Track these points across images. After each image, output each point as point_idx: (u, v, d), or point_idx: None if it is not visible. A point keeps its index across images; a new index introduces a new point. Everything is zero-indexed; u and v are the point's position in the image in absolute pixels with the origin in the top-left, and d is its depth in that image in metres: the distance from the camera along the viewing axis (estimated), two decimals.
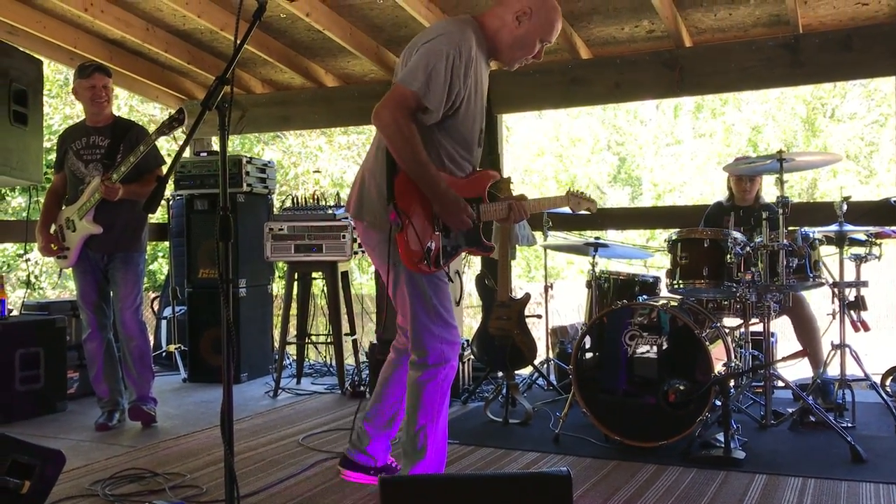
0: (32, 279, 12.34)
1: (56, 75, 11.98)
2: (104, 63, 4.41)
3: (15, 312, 5.00)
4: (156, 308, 6.66)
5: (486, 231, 2.90)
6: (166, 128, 3.93)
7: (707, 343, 3.55)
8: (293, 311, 5.43)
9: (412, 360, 2.82)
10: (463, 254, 2.93)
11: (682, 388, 3.52)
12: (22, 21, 5.26)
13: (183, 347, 5.87)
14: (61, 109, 12.41)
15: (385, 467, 3.09)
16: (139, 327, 4.35)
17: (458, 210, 2.70)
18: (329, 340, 5.53)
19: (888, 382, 4.56)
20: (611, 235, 6.80)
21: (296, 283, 5.42)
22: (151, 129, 4.22)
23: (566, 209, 3.17)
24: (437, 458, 2.86)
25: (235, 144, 12.53)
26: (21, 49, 4.75)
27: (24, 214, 5.67)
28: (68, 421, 4.50)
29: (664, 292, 4.20)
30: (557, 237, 5.24)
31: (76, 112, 12.44)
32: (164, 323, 6.34)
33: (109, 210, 4.19)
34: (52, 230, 4.33)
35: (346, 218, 5.04)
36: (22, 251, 11.48)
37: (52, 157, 12.23)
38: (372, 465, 3.04)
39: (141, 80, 6.38)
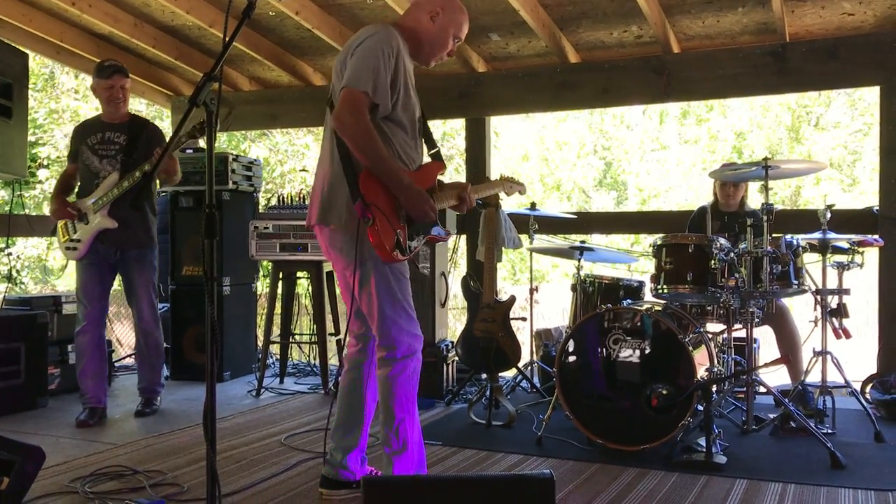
0: (14, 274, 12.23)
1: (42, 69, 11.88)
2: (119, 63, 4.42)
3: None
4: None
5: (440, 218, 3.02)
6: (186, 136, 3.88)
7: (690, 348, 3.57)
8: (277, 310, 5.41)
9: (381, 357, 2.88)
10: (421, 245, 2.98)
11: (664, 392, 3.54)
12: (8, 13, 5.22)
13: (166, 345, 5.82)
14: (46, 103, 12.31)
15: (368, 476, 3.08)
16: (156, 321, 4.54)
17: (422, 201, 2.81)
18: (313, 340, 5.51)
19: (868, 389, 4.60)
20: (596, 239, 6.81)
21: (280, 282, 5.40)
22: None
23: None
24: (419, 450, 2.93)
25: (222, 141, 12.47)
26: (6, 42, 4.71)
27: (7, 208, 5.62)
28: (48, 417, 4.47)
29: (648, 297, 4.22)
30: (543, 240, 5.25)
31: (62, 106, 12.36)
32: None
33: (125, 206, 4.24)
34: (68, 212, 4.33)
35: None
36: (3, 245, 11.37)
37: (37, 150, 12.14)
38: (353, 480, 3.04)
39: None
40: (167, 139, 4.45)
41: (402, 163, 2.86)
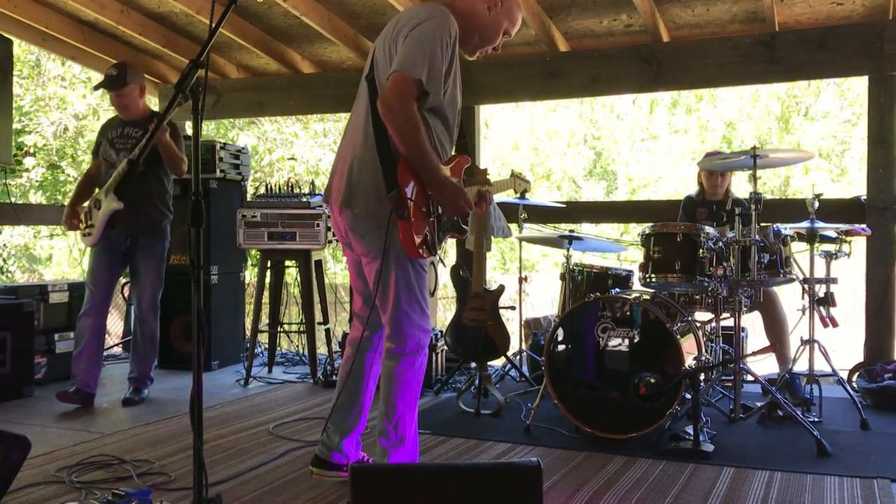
0: (0, 262, 12.16)
1: (27, 55, 11.77)
2: (115, 70, 4.44)
3: None
4: (126, 294, 6.58)
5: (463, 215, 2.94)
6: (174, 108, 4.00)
7: (678, 337, 3.58)
8: (265, 299, 5.39)
9: (388, 349, 2.83)
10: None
11: (652, 381, 3.55)
12: None
13: None
14: (33, 90, 12.20)
15: (358, 463, 3.08)
16: (154, 312, 4.59)
17: (457, 196, 2.73)
18: (301, 329, 5.50)
19: (855, 378, 4.63)
20: (585, 229, 6.82)
21: (269, 271, 5.38)
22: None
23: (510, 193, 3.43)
24: (414, 444, 2.91)
25: (210, 130, 12.40)
26: None
27: None
28: (35, 406, 4.44)
29: (637, 286, 4.23)
30: (532, 229, 5.25)
31: (48, 93, 12.25)
32: (133, 308, 6.27)
33: (133, 190, 4.33)
34: (81, 209, 4.50)
35: (321, 206, 5.01)
36: None
37: (22, 139, 12.05)
38: (345, 463, 3.03)
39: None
40: (180, 132, 4.51)
41: (437, 155, 2.76)
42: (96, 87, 4.61)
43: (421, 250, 2.71)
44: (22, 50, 11.04)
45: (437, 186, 2.70)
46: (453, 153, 2.98)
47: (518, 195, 4.86)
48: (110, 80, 4.43)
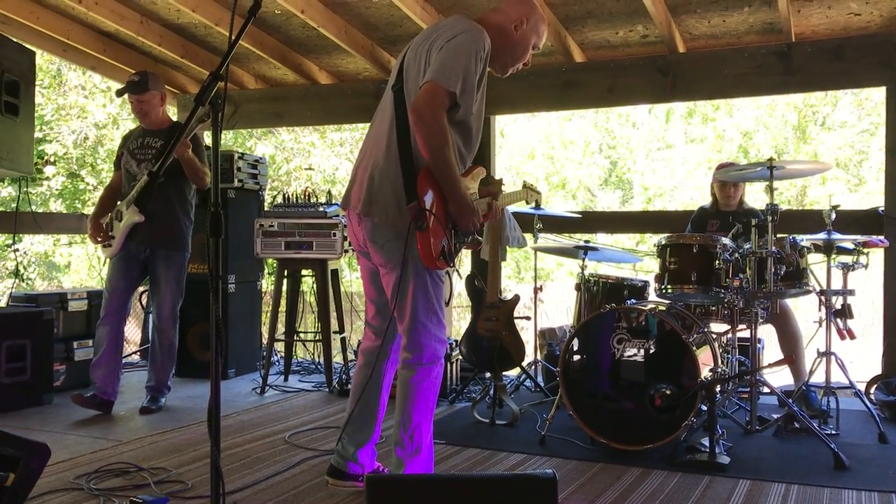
0: (20, 270, 12.28)
1: (49, 65, 11.91)
2: (138, 76, 4.52)
3: (2, 303, 4.98)
4: (144, 302, 6.64)
5: None
6: (196, 122, 4.04)
7: (694, 348, 3.57)
8: (282, 307, 5.42)
9: (405, 359, 2.84)
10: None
11: (668, 392, 3.54)
12: (14, 11, 5.24)
13: None
14: (54, 100, 12.34)
15: (374, 472, 3.09)
16: (173, 322, 4.60)
17: (471, 213, 2.77)
18: (317, 338, 5.52)
19: (872, 390, 4.60)
20: (600, 239, 6.81)
21: (285, 280, 5.41)
22: None
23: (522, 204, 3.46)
24: (430, 454, 2.91)
25: (228, 139, 12.49)
26: (13, 39, 4.73)
27: (14, 205, 5.64)
28: (54, 414, 4.48)
29: (653, 296, 4.22)
30: (548, 239, 5.25)
31: (69, 102, 12.39)
32: (151, 318, 6.32)
33: (154, 201, 4.37)
34: (104, 221, 4.55)
35: (338, 216, 5.04)
36: (10, 241, 11.42)
37: (43, 147, 12.18)
38: (361, 473, 3.04)
39: None
40: (202, 144, 4.53)
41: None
42: (119, 93, 4.64)
43: (439, 262, 2.73)
44: (44, 60, 11.18)
45: (455, 200, 2.73)
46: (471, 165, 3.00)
47: (532, 206, 4.87)
48: (132, 84, 4.48)
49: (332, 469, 3.09)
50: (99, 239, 4.53)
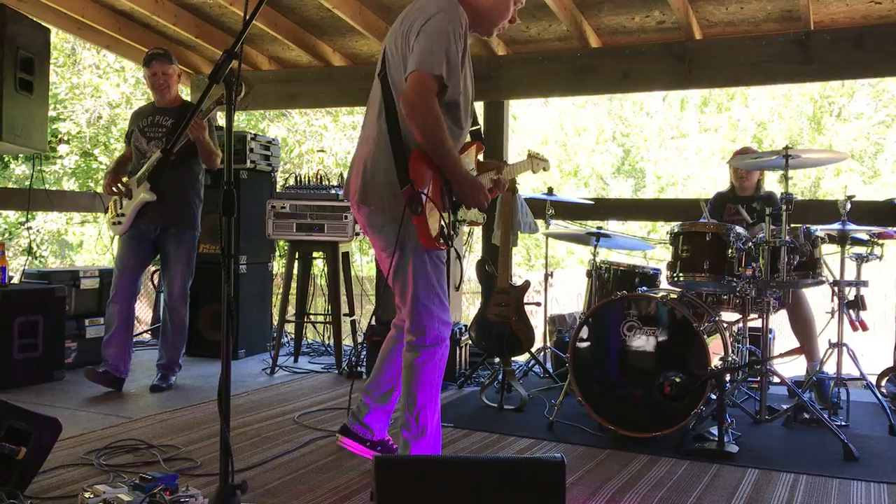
0: (34, 247, 12.35)
1: (64, 44, 11.93)
2: (163, 49, 4.59)
3: (15, 280, 5.01)
4: (156, 281, 6.67)
5: None
6: (214, 104, 4.19)
7: (705, 336, 3.55)
8: (293, 289, 5.44)
9: (409, 342, 2.85)
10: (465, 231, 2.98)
11: (677, 380, 3.53)
12: None
13: None
14: (68, 78, 12.37)
15: (381, 442, 3.13)
16: (184, 300, 4.62)
17: (477, 190, 2.79)
18: (327, 320, 5.54)
19: (884, 383, 4.57)
20: (612, 226, 6.79)
21: (296, 262, 5.42)
22: None
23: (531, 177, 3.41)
24: (436, 435, 2.93)
25: (241, 121, 12.50)
26: (29, 17, 4.73)
27: (27, 183, 5.66)
28: (65, 390, 4.52)
29: (664, 284, 4.21)
30: (559, 226, 5.24)
31: (83, 81, 12.41)
32: (163, 296, 6.35)
33: (165, 180, 4.37)
34: (116, 191, 4.50)
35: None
36: (24, 219, 11.49)
37: (57, 125, 12.22)
38: (368, 438, 3.09)
39: None
40: (213, 124, 4.55)
41: None
42: (146, 59, 4.53)
43: (437, 242, 2.76)
44: (59, 38, 11.19)
45: (458, 182, 2.75)
46: (469, 142, 3.01)
47: (547, 189, 4.85)
48: (159, 55, 4.52)
49: (343, 427, 3.14)
50: (114, 189, 4.47)
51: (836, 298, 4.01)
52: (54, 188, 11.97)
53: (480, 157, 3.11)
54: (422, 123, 2.62)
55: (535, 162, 3.54)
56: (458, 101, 2.79)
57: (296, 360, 5.56)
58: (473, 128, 3.02)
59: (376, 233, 2.86)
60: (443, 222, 2.76)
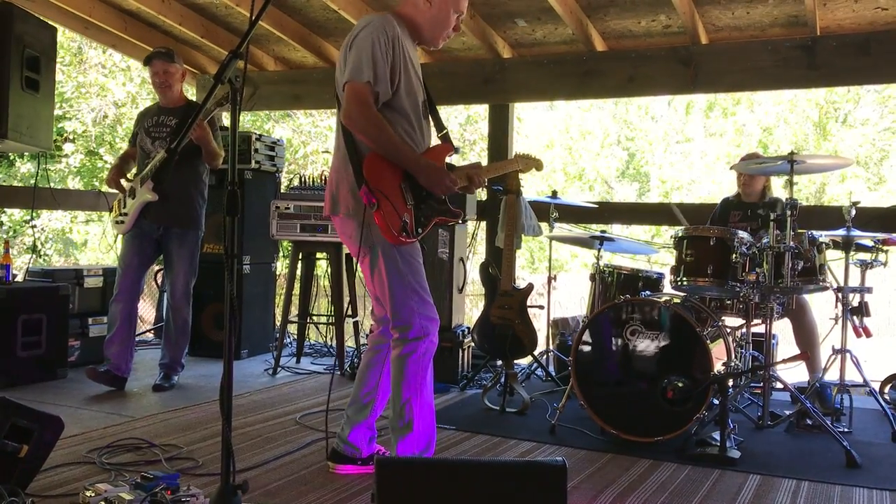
0: (38, 245, 12.38)
1: (70, 43, 11.96)
2: (165, 48, 4.62)
3: (19, 278, 5.01)
4: (159, 281, 6.67)
5: (451, 197, 3.02)
6: (214, 105, 4.14)
7: (708, 341, 3.55)
8: (296, 290, 5.44)
9: (394, 338, 2.93)
10: (433, 223, 2.99)
11: (680, 385, 3.52)
12: None
13: None
14: (74, 77, 12.39)
15: (371, 458, 3.10)
16: (187, 300, 4.64)
17: (442, 177, 2.87)
18: (330, 321, 5.54)
19: (887, 389, 4.55)
20: (616, 230, 6.78)
21: (299, 263, 5.43)
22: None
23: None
24: (426, 431, 2.95)
25: (246, 121, 12.52)
26: (35, 15, 4.74)
27: (33, 181, 5.68)
28: (68, 388, 4.52)
29: (668, 289, 4.20)
30: (563, 229, 5.23)
31: (89, 80, 12.44)
32: (166, 296, 6.35)
33: (168, 180, 4.37)
34: (118, 185, 4.54)
35: None
36: (29, 217, 11.51)
37: (63, 124, 12.25)
38: (358, 457, 3.08)
39: None
40: (217, 123, 4.57)
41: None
42: (147, 59, 4.56)
43: (402, 237, 2.81)
44: (65, 37, 11.22)
45: (420, 172, 2.84)
46: (436, 144, 3.07)
47: (551, 193, 4.84)
48: (161, 53, 4.53)
49: (332, 452, 3.13)
50: (118, 182, 4.51)
51: (839, 304, 4.00)
52: (59, 187, 11.98)
53: (448, 160, 3.09)
54: (362, 128, 2.76)
55: (524, 161, 3.59)
56: (403, 103, 2.88)
57: (298, 361, 5.56)
58: (441, 132, 3.10)
59: (348, 239, 2.98)
60: (406, 217, 2.82)
